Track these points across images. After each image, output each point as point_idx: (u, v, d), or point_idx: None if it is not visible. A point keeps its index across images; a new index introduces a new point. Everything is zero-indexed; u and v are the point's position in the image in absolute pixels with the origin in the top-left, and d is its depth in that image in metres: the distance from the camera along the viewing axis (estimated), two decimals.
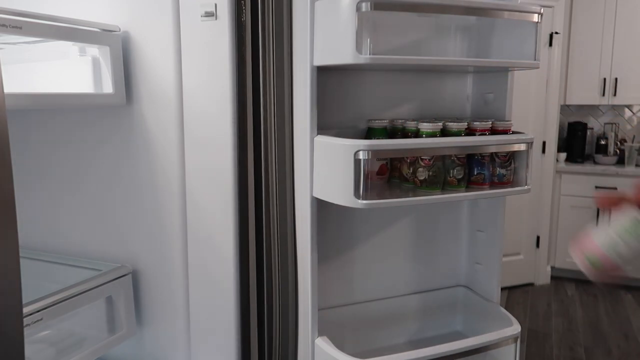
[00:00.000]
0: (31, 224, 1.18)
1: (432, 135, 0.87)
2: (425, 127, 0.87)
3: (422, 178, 0.88)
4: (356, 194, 0.82)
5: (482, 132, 0.92)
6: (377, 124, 0.94)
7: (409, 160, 0.88)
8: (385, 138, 0.92)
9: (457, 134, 0.90)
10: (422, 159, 0.87)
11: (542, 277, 3.80)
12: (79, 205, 1.13)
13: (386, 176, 0.90)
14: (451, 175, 0.90)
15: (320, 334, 0.96)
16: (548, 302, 3.47)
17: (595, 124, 4.03)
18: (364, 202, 0.82)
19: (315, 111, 0.87)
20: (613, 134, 3.85)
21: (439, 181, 0.89)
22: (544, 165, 3.63)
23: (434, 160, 0.88)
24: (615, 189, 3.61)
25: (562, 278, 3.84)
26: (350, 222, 1.07)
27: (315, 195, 0.89)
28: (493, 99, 1.01)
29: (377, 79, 1.00)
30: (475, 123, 0.92)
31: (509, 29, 0.92)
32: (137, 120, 1.02)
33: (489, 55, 0.94)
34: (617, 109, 3.98)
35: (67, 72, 1.03)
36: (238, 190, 0.95)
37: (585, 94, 3.79)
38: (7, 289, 0.60)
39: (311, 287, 0.93)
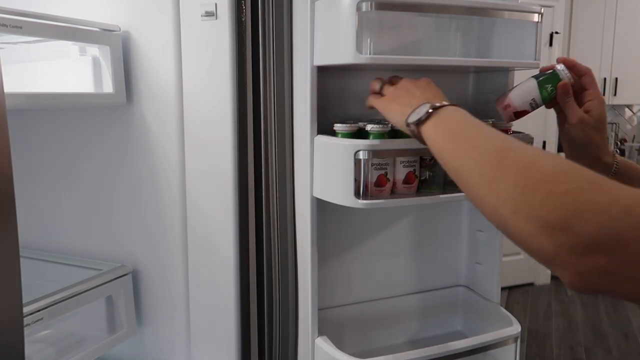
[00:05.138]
0: (31, 223, 1.18)
1: None
2: None
3: (422, 178, 0.88)
4: (356, 193, 0.82)
5: None
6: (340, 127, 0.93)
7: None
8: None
9: None
10: (422, 159, 0.87)
11: (542, 277, 3.80)
12: (78, 205, 1.13)
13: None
14: None
15: (320, 334, 0.96)
16: (548, 302, 3.47)
17: None
18: (364, 202, 0.82)
19: (315, 111, 0.87)
20: (613, 134, 3.85)
21: (439, 181, 0.89)
22: None
23: (435, 160, 0.87)
24: None
25: None
26: (350, 222, 1.07)
27: (315, 195, 0.89)
28: (493, 99, 1.01)
29: None
30: None
31: (509, 29, 0.92)
32: (137, 120, 1.02)
33: (489, 55, 0.94)
34: (618, 108, 3.98)
35: (67, 71, 1.03)
36: (238, 190, 0.95)
37: None
38: (7, 289, 0.60)
39: (311, 287, 0.93)
